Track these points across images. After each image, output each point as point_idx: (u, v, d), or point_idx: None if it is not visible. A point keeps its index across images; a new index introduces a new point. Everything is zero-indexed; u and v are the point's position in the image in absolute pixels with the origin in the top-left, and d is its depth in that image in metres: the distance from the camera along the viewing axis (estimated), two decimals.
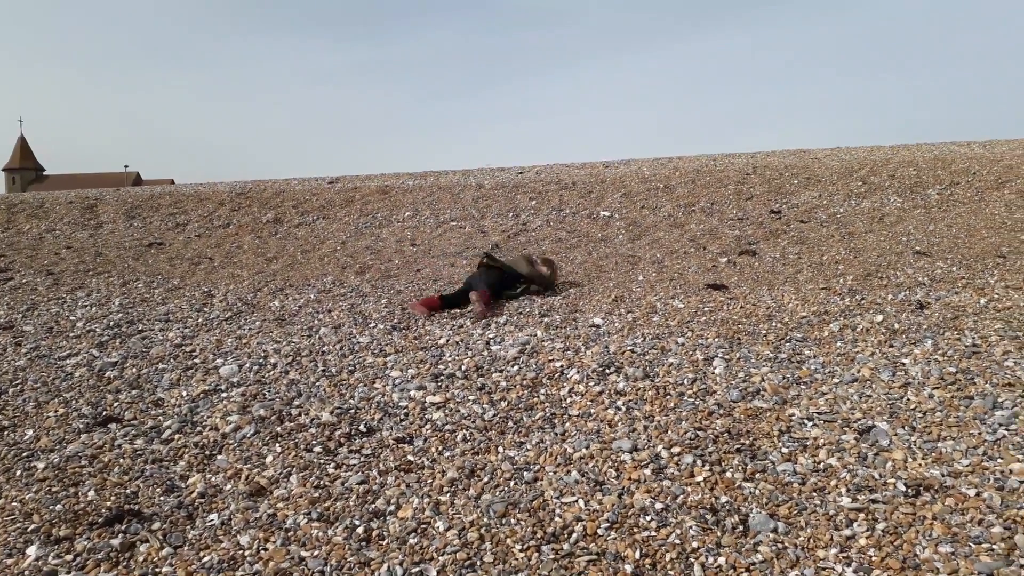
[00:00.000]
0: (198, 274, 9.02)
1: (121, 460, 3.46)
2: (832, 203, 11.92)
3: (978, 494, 2.78)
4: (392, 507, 2.93)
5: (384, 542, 2.68)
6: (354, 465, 3.33)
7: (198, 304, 7.01)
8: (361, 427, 3.74)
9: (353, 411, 3.96)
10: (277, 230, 12.78)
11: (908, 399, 3.75)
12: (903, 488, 2.85)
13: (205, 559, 2.62)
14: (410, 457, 3.39)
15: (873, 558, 2.44)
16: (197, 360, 5.06)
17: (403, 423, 3.80)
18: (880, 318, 5.27)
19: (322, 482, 3.17)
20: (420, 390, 4.23)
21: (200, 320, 6.32)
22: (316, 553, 2.61)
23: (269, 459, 3.43)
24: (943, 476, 2.93)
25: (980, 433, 3.31)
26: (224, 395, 4.32)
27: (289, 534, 2.77)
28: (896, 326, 5.05)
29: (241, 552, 2.66)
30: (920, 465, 3.04)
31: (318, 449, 3.51)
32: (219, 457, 3.49)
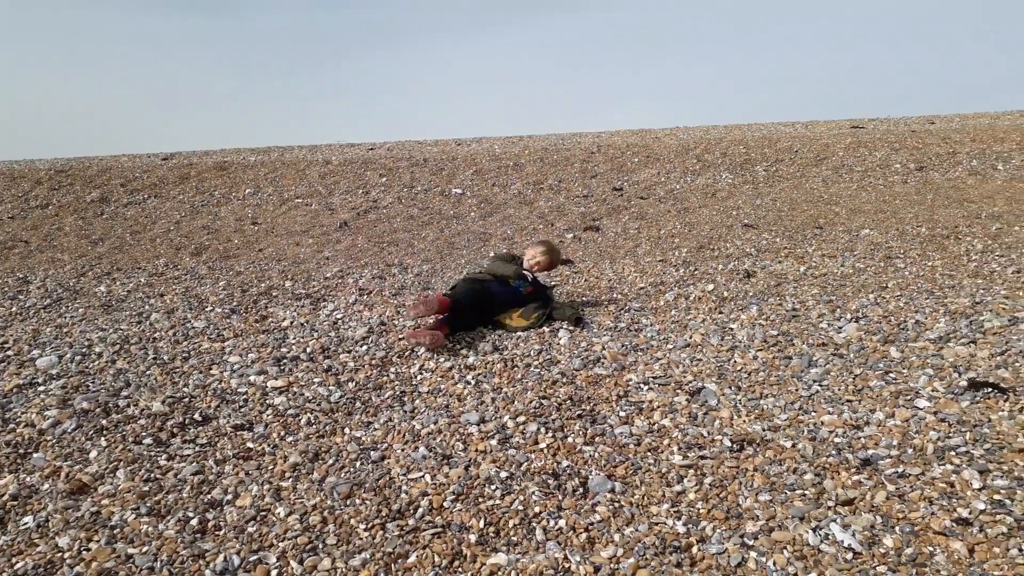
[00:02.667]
0: (12, 259, 8.22)
1: None
2: (670, 180, 12.51)
3: (794, 445, 3.02)
4: (230, 496, 2.80)
5: (220, 532, 2.56)
6: (188, 456, 3.15)
7: (12, 291, 6.39)
8: (196, 416, 3.55)
9: (187, 399, 3.75)
10: (103, 210, 11.85)
11: (735, 361, 4.02)
12: (729, 444, 3.06)
13: (18, 565, 2.40)
14: (250, 444, 3.26)
15: (701, 510, 2.59)
16: (10, 352, 4.61)
17: (242, 410, 3.64)
18: (711, 287, 5.61)
19: (153, 475, 2.99)
20: (261, 375, 4.06)
21: (14, 309, 5.76)
22: (145, 549, 2.46)
23: (93, 454, 3.18)
24: (764, 431, 3.17)
25: (797, 389, 3.60)
26: (42, 388, 3.96)
27: (115, 531, 2.58)
28: (725, 294, 5.39)
29: (60, 555, 2.45)
30: (744, 421, 3.27)
31: (148, 441, 3.30)
32: (35, 455, 3.20)
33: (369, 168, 13.88)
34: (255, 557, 2.39)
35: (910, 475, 2.72)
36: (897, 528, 2.41)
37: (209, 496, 2.81)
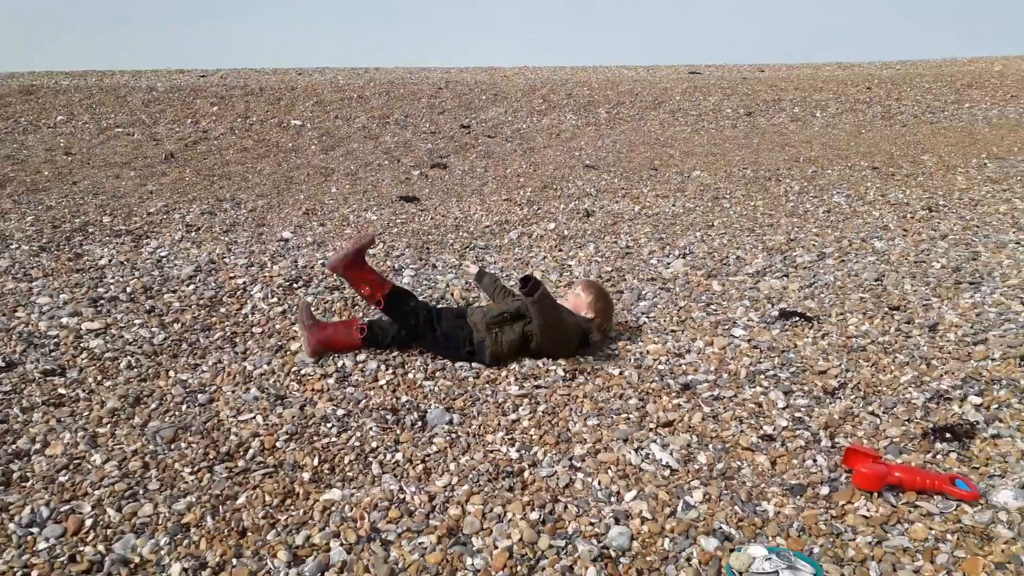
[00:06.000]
0: None
1: None
2: (516, 119, 12.57)
3: (621, 373, 3.18)
4: (38, 445, 2.59)
5: (28, 484, 2.37)
6: None
7: None
8: None
9: None
10: None
11: None
12: (562, 373, 3.17)
13: None
14: (62, 390, 3.01)
15: (533, 437, 2.69)
16: None
17: (53, 354, 3.35)
18: (552, 226, 5.73)
19: None
20: (74, 316, 3.75)
21: None
22: None
23: None
24: (594, 360, 3.31)
25: (627, 321, 3.77)
26: None
27: None
28: (566, 232, 5.52)
29: None
30: None
31: None
32: None
33: (199, 96, 12.96)
34: (67, 507, 2.23)
35: (724, 397, 2.95)
36: (710, 446, 2.60)
37: (14, 446, 2.58)
